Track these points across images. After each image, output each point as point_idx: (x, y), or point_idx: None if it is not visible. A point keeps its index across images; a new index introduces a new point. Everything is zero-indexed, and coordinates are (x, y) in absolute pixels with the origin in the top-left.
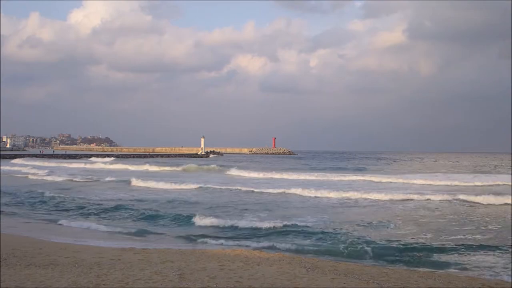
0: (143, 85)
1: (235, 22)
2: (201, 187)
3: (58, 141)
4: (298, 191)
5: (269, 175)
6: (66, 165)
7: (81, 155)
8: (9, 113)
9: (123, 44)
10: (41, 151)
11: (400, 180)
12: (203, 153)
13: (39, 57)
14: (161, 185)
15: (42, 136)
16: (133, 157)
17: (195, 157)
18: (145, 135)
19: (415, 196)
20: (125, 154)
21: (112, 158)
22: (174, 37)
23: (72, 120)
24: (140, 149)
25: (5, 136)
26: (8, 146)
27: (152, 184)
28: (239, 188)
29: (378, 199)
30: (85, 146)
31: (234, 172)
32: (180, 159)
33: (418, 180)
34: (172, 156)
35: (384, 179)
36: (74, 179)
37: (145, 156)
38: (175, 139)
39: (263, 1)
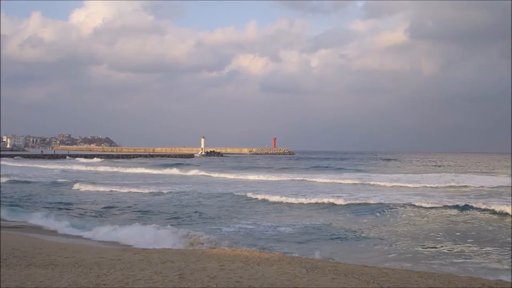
0: (144, 85)
1: (237, 22)
2: (152, 192)
3: (58, 141)
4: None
5: (240, 176)
6: (38, 165)
7: (81, 155)
8: (9, 113)
9: (124, 44)
10: (42, 151)
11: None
12: (203, 153)
13: (39, 57)
14: (105, 188)
15: (42, 136)
16: (133, 157)
17: (189, 157)
18: (145, 135)
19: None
20: (124, 155)
21: (100, 159)
22: (175, 37)
23: (72, 120)
24: (140, 149)
25: (5, 136)
26: (8, 146)
27: (98, 187)
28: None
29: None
30: (85, 146)
31: (196, 172)
32: (166, 159)
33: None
34: (167, 157)
35: (347, 180)
36: (15, 179)
37: (145, 156)
38: (175, 139)
39: (264, 1)
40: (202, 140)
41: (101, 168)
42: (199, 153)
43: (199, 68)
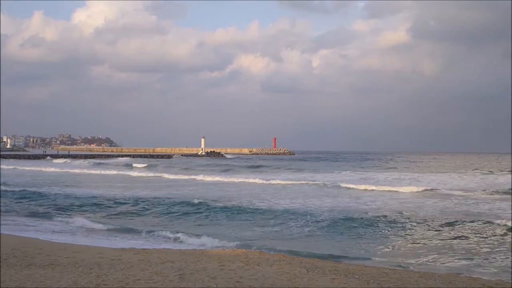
0: (145, 85)
1: (239, 22)
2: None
3: (58, 142)
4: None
5: (185, 176)
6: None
7: (81, 155)
8: (10, 113)
9: (125, 44)
10: (44, 151)
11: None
12: (203, 153)
13: (41, 56)
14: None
15: (43, 136)
16: (116, 157)
17: (168, 158)
18: (146, 135)
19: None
20: (108, 155)
21: (64, 160)
22: (177, 37)
23: (73, 120)
24: (140, 149)
25: (5, 137)
26: (8, 146)
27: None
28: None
29: None
30: (85, 146)
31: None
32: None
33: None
34: (143, 157)
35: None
36: None
37: (128, 156)
38: (176, 139)
39: (266, 1)
40: (202, 140)
41: (45, 169)
42: (199, 152)
43: (201, 68)
